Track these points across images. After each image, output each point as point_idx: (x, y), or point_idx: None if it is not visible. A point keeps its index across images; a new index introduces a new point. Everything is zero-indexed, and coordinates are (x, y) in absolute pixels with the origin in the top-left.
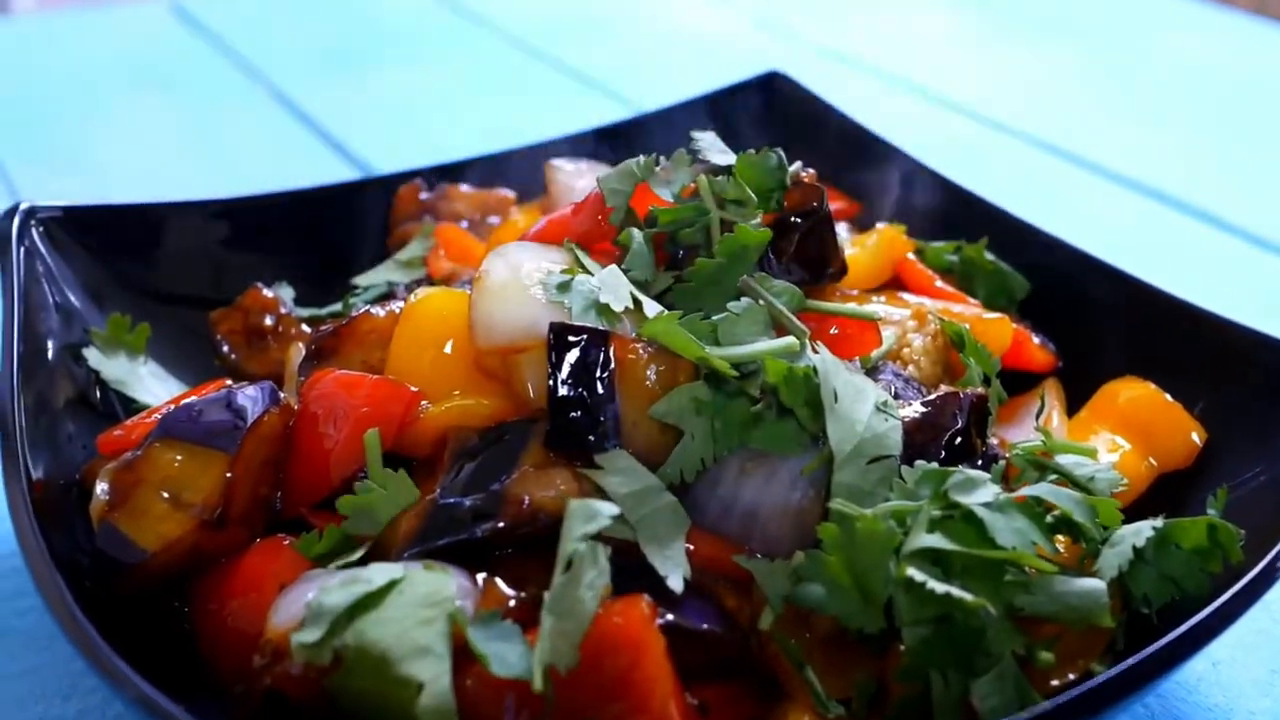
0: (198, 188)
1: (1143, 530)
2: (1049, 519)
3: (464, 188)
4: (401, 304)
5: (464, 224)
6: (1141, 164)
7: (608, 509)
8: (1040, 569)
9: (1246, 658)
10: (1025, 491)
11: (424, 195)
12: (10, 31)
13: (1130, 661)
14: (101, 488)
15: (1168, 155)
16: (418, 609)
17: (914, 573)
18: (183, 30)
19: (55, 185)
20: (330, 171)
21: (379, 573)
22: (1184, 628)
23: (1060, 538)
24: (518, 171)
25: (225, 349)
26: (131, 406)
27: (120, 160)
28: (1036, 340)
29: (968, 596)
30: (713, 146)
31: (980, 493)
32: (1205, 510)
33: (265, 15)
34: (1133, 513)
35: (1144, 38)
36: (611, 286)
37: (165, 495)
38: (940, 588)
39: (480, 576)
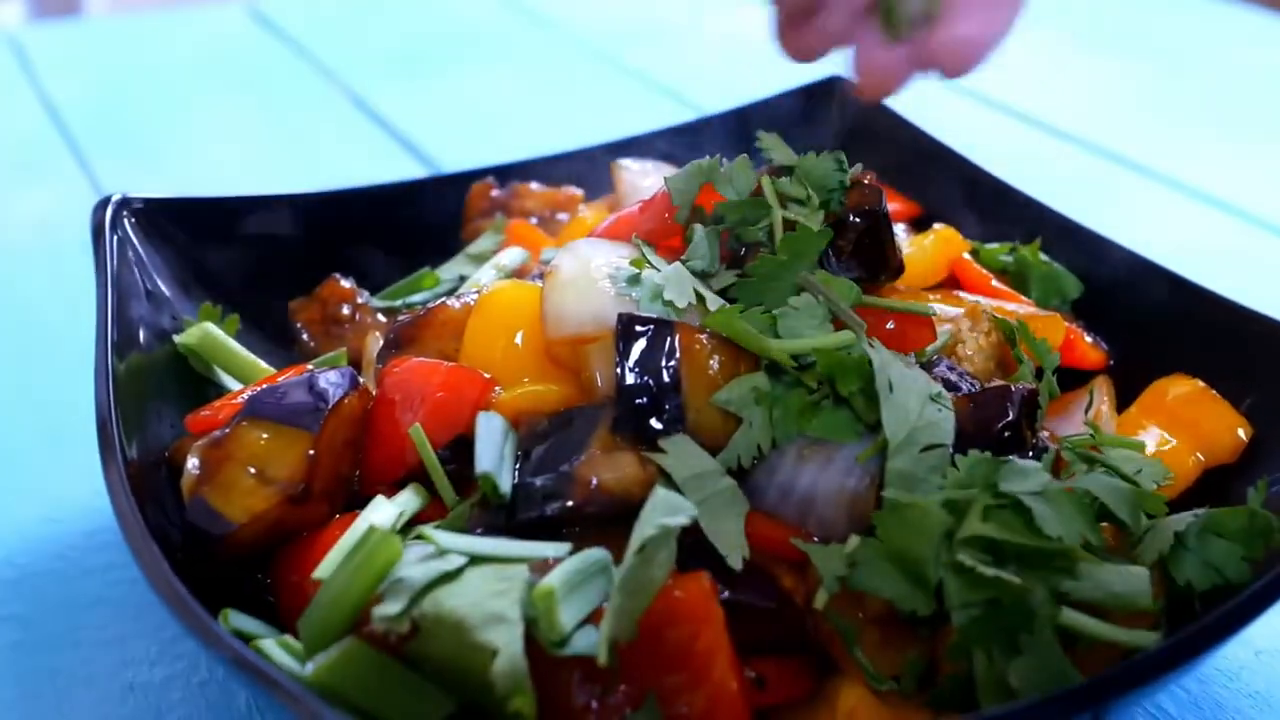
0: (274, 185)
1: (1184, 517)
2: (1096, 508)
3: (533, 185)
4: (475, 296)
5: (534, 220)
6: (1202, 172)
7: (689, 508)
8: (1083, 560)
9: None
10: (1072, 483)
11: (495, 192)
12: (88, 31)
13: (1169, 642)
14: (192, 463)
15: (1230, 164)
16: (492, 581)
17: (964, 558)
18: (260, 32)
19: (137, 181)
20: (401, 169)
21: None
22: (1220, 610)
23: (1106, 525)
24: (585, 170)
25: (304, 336)
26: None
27: (199, 158)
28: (1088, 339)
29: (1015, 580)
30: (776, 147)
31: (1030, 483)
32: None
33: (339, 18)
34: (1180, 506)
35: (1206, 47)
36: (675, 283)
37: (252, 471)
38: (990, 572)
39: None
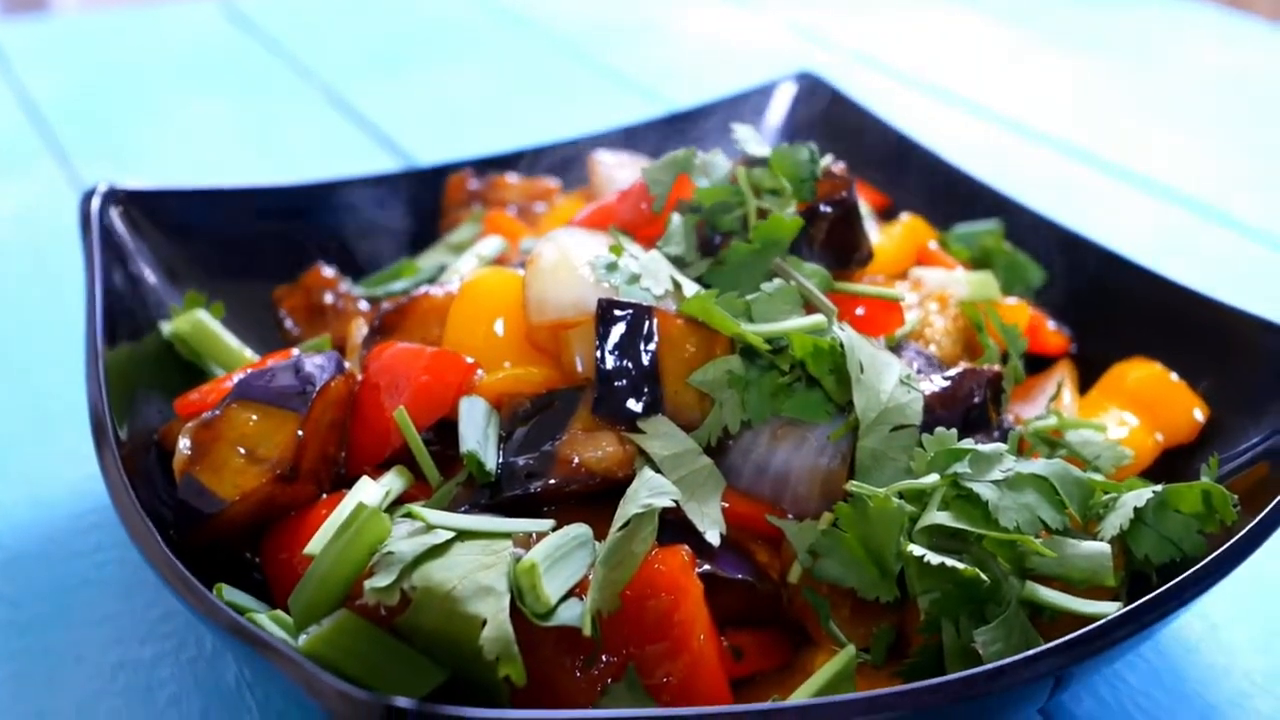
0: (250, 180)
1: (1143, 494)
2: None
3: (511, 177)
4: (457, 283)
5: (511, 210)
6: (1158, 165)
7: (673, 490)
8: (1036, 550)
9: (1244, 620)
10: (1030, 469)
11: (473, 184)
12: (65, 29)
13: (1126, 609)
14: (184, 444)
15: (1192, 161)
16: (479, 555)
17: (914, 548)
18: (235, 30)
19: (118, 177)
20: (377, 164)
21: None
22: (1175, 581)
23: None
24: (561, 163)
25: (288, 324)
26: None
27: (176, 154)
28: (1051, 325)
29: (960, 566)
30: (750, 139)
31: (992, 471)
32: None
33: (315, 15)
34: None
35: (1171, 47)
36: (652, 271)
37: (242, 451)
38: (935, 560)
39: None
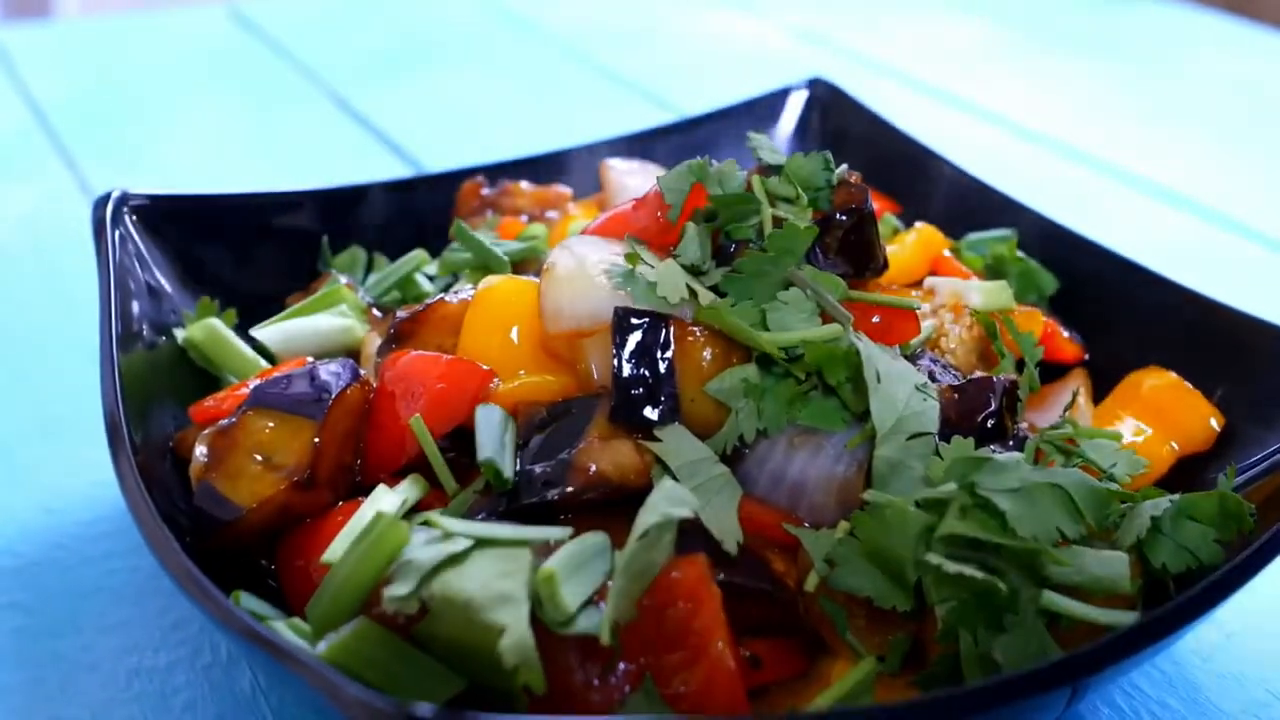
0: (257, 185)
1: (1160, 503)
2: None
3: (523, 184)
4: (472, 291)
5: (524, 218)
6: (1170, 173)
7: (692, 501)
8: (1054, 560)
9: (1260, 629)
10: (1048, 478)
11: (485, 191)
12: (71, 33)
13: (1144, 619)
14: (200, 451)
15: (1201, 167)
16: (497, 563)
17: (931, 557)
18: (241, 34)
19: (122, 181)
20: (384, 168)
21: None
22: (1193, 591)
23: None
24: (572, 169)
25: None
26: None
27: (183, 159)
28: (1065, 334)
29: (981, 575)
30: (765, 147)
31: (1009, 480)
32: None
33: (320, 21)
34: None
35: (1174, 51)
36: (668, 278)
37: (258, 458)
38: (953, 569)
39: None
